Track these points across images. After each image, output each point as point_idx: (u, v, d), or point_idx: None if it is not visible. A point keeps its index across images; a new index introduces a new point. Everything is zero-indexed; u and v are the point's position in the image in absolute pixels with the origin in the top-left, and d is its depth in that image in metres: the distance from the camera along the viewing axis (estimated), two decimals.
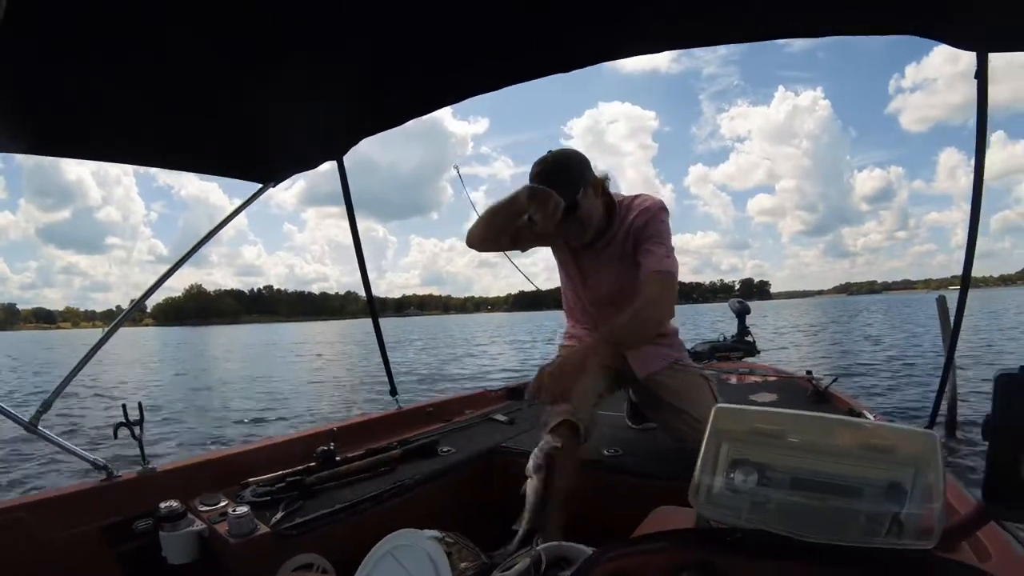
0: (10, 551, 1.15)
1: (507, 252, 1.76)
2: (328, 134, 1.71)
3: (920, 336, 15.99)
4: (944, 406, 4.31)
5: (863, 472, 0.60)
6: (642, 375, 1.62)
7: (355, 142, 1.78)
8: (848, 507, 0.57)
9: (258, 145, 1.61)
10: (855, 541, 0.55)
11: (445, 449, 1.82)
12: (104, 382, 12.56)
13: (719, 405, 0.71)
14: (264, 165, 1.76)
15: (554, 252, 1.74)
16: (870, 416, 1.84)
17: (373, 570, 0.77)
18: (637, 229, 1.49)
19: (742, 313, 4.44)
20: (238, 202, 1.87)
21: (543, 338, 25.81)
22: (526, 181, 1.44)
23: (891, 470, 0.59)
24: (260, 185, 1.81)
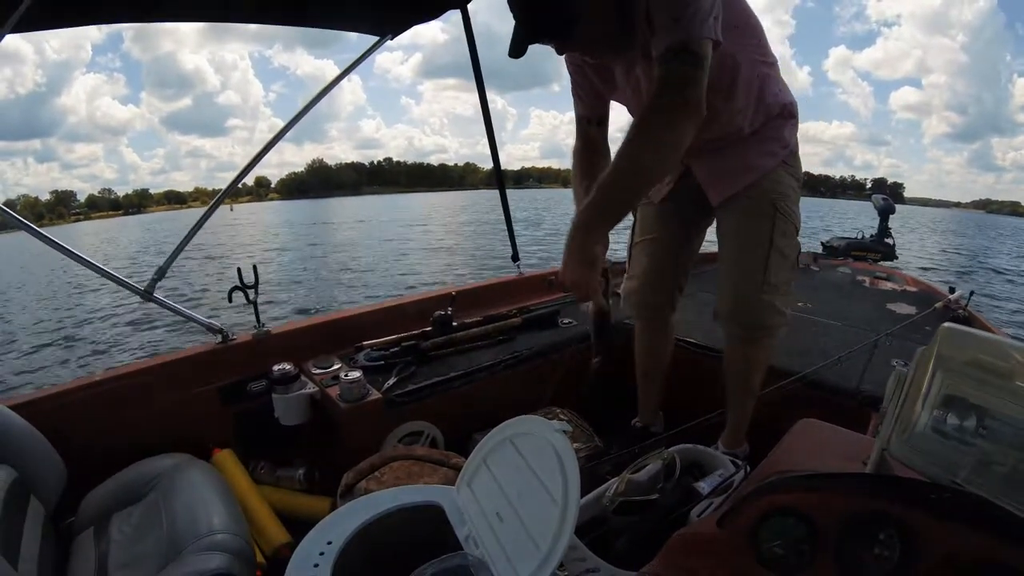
0: (138, 411, 1.25)
1: None
2: None
3: None
4: None
5: None
6: (716, 202, 1.17)
7: None
8: None
9: None
10: None
11: (566, 321, 1.75)
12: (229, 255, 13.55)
13: (948, 324, 0.55)
14: (382, 15, 1.62)
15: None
16: None
17: (488, 456, 0.71)
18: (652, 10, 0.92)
19: (886, 212, 3.88)
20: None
21: None
22: None
23: None
24: (377, 38, 1.69)
